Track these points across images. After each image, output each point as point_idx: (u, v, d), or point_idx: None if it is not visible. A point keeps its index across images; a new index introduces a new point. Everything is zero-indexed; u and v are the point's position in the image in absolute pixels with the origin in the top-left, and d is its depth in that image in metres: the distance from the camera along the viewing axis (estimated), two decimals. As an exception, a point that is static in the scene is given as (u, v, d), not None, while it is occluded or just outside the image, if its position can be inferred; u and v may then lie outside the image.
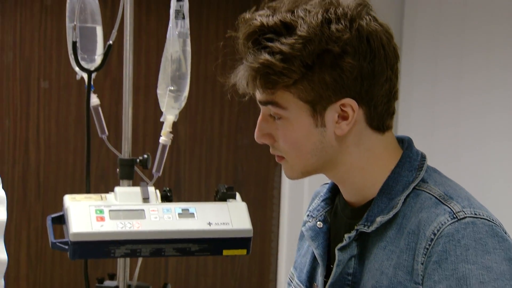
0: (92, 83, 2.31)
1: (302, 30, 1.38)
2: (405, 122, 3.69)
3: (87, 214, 2.13)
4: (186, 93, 2.25)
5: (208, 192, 3.66)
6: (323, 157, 1.45)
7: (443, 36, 3.53)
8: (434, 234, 1.37)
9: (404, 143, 1.53)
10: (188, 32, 2.24)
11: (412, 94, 3.66)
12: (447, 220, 1.37)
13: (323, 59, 1.39)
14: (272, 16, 1.40)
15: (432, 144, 3.49)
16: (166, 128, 2.26)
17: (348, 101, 1.41)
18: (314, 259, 1.59)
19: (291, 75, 1.39)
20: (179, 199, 3.58)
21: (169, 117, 2.25)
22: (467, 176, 3.13)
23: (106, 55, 2.23)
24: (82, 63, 2.27)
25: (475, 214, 1.38)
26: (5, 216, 2.15)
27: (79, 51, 2.26)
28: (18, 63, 3.38)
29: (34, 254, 3.42)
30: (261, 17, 1.41)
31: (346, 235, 1.46)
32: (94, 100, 2.33)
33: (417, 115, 3.65)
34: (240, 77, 1.44)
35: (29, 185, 3.42)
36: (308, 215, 1.61)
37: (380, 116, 1.45)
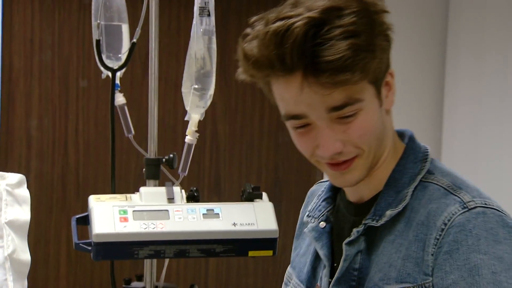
0: (118, 82, 2.29)
1: (352, 5, 1.30)
2: (450, 119, 3.60)
3: (111, 215, 2.11)
4: (211, 91, 2.21)
5: (249, 191, 3.61)
6: (383, 141, 1.41)
7: (488, 32, 3.44)
8: (445, 224, 1.34)
9: (405, 136, 1.50)
10: (214, 29, 2.20)
11: (457, 91, 3.57)
12: (458, 210, 1.35)
13: (375, 28, 1.33)
14: (309, 11, 1.29)
15: (478, 141, 3.40)
16: (192, 127, 2.23)
17: (390, 69, 1.39)
18: (315, 259, 1.55)
19: (370, 48, 1.31)
20: (219, 199, 3.56)
21: (194, 116, 2.21)
22: None
23: (130, 53, 2.20)
24: (107, 61, 2.24)
25: (485, 204, 1.36)
26: (29, 216, 2.15)
27: (104, 50, 2.24)
28: (56, 62, 3.39)
29: (74, 254, 3.42)
30: (295, 18, 1.29)
31: (355, 229, 1.43)
32: (120, 99, 2.30)
33: (462, 112, 3.56)
34: (312, 89, 1.31)
35: (68, 185, 3.42)
36: (308, 215, 1.57)
37: None
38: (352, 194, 1.49)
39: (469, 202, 1.35)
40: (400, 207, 1.40)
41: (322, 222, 1.53)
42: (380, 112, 1.38)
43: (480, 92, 3.49)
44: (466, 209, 1.34)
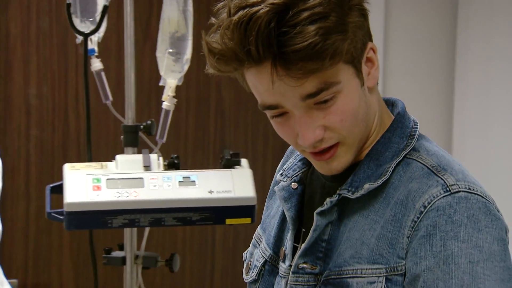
0: (96, 47, 2.23)
1: None
2: (461, 115, 3.50)
3: (84, 183, 2.07)
4: (188, 55, 2.15)
5: (256, 159, 3.55)
6: (368, 122, 1.33)
7: (498, 25, 3.34)
8: (424, 207, 1.27)
9: (395, 106, 1.41)
10: (189, -2, 2.13)
11: (467, 85, 3.47)
12: (440, 192, 1.27)
13: (344, 4, 1.24)
14: None
15: (489, 136, 3.31)
16: (168, 92, 2.17)
17: (371, 44, 1.30)
18: (282, 221, 1.47)
19: (341, 28, 1.22)
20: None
21: (170, 81, 2.15)
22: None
23: (102, 17, 2.14)
24: (82, 26, 2.19)
25: (469, 188, 1.27)
26: (0, 185, 2.11)
27: (78, 14, 2.18)
28: (54, 28, 3.34)
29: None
30: (257, 6, 1.20)
31: (328, 199, 1.34)
32: (97, 64, 2.25)
33: (472, 103, 3.46)
34: (280, 74, 1.23)
35: (69, 152, 3.39)
36: (281, 174, 1.47)
37: None
38: None
39: (452, 185, 1.27)
40: (380, 181, 1.32)
41: (294, 183, 1.44)
42: (362, 91, 1.30)
43: (489, 86, 3.39)
44: (448, 193, 1.27)
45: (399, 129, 1.37)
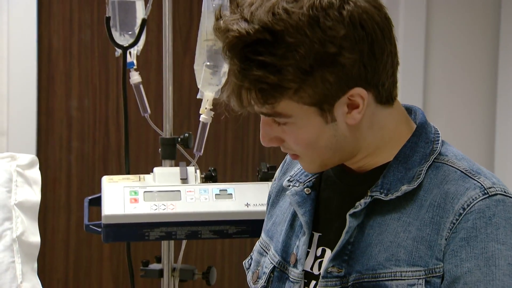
0: (134, 60, 2.25)
1: (290, 35, 1.26)
2: (503, 123, 3.45)
3: (121, 196, 2.08)
4: (225, 68, 2.15)
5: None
6: (339, 149, 1.37)
7: None
8: (464, 209, 1.31)
9: (417, 114, 1.45)
10: (228, 4, 2.13)
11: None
12: (478, 195, 1.31)
13: (321, 61, 1.28)
14: (251, 23, 1.27)
15: None
16: (205, 105, 2.17)
17: (356, 90, 1.32)
18: (290, 227, 1.50)
19: (289, 85, 1.28)
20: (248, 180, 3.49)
21: (207, 94, 2.15)
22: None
23: (140, 30, 2.16)
24: (121, 39, 2.20)
25: (505, 192, 1.33)
26: (39, 197, 2.13)
27: (117, 27, 2.20)
28: (96, 41, 3.37)
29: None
30: (238, 24, 1.28)
31: (362, 201, 1.37)
32: (135, 77, 2.26)
33: None
34: (232, 96, 1.33)
35: (110, 165, 3.41)
36: (290, 180, 1.52)
37: (387, 90, 1.36)
38: (352, 164, 1.43)
39: (490, 188, 1.32)
40: (415, 184, 1.36)
41: (307, 188, 1.48)
42: (330, 127, 1.34)
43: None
44: (486, 195, 1.31)
45: (424, 134, 1.41)
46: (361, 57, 1.30)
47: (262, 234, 1.61)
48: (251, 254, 1.64)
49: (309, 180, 1.49)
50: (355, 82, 1.31)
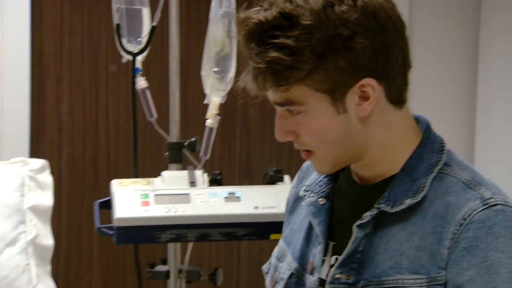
0: (140, 66, 2.29)
1: (305, 18, 1.33)
2: (483, 126, 3.53)
3: (132, 199, 2.12)
4: (232, 74, 2.20)
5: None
6: (350, 144, 1.41)
7: None
8: (464, 219, 1.34)
9: (422, 123, 1.49)
10: (234, 12, 2.19)
11: (490, 94, 3.50)
12: (478, 206, 1.35)
13: (334, 44, 1.33)
14: (270, 10, 1.34)
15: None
16: (212, 110, 2.23)
17: (367, 81, 1.36)
18: (307, 236, 1.54)
19: (303, 67, 1.34)
20: (251, 182, 3.55)
21: (214, 99, 2.21)
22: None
23: (150, 37, 2.20)
24: (128, 46, 2.25)
25: (505, 202, 1.36)
26: (51, 201, 2.17)
27: (125, 34, 2.24)
28: (86, 47, 3.39)
29: (106, 238, 3.44)
30: (257, 13, 1.35)
31: (368, 213, 1.41)
32: (142, 83, 2.30)
33: (495, 117, 3.48)
34: (249, 80, 1.39)
35: (99, 169, 3.43)
36: (306, 190, 1.56)
37: (398, 89, 1.41)
38: (361, 172, 1.47)
39: (489, 199, 1.36)
40: (419, 197, 1.40)
41: (321, 198, 1.52)
42: (342, 118, 1.38)
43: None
44: (486, 206, 1.35)
45: (429, 145, 1.45)
46: (373, 46, 1.35)
47: (281, 241, 1.64)
48: (270, 259, 1.67)
49: (323, 190, 1.53)
50: (366, 71, 1.36)
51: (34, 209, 2.07)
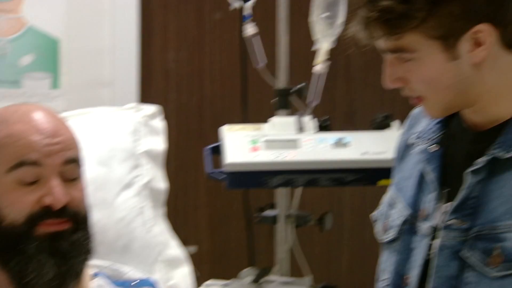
0: (249, 12, 2.30)
1: None
2: None
3: (242, 144, 2.15)
4: (341, 19, 2.20)
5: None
6: (461, 90, 1.40)
7: None
8: None
9: None
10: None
11: None
12: None
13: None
14: None
15: None
16: (321, 56, 2.23)
17: (482, 26, 1.35)
18: (419, 183, 1.54)
19: (417, 15, 1.34)
20: (353, 129, 3.54)
21: (323, 45, 2.21)
22: None
23: (258, -17, 2.21)
24: (235, -7, 2.26)
25: None
26: (164, 146, 2.22)
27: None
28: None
29: (212, 182, 3.48)
30: None
31: (481, 159, 1.41)
32: (250, 29, 2.32)
33: None
34: (360, 28, 1.40)
35: (204, 115, 3.48)
36: (418, 137, 1.57)
37: None
38: (475, 117, 1.46)
39: None
40: None
41: (434, 145, 1.52)
42: (454, 64, 1.38)
43: None
44: None
45: None
46: None
47: (391, 188, 1.65)
48: (380, 206, 1.68)
49: (435, 137, 1.53)
50: (481, 17, 1.35)
51: (148, 154, 2.12)
